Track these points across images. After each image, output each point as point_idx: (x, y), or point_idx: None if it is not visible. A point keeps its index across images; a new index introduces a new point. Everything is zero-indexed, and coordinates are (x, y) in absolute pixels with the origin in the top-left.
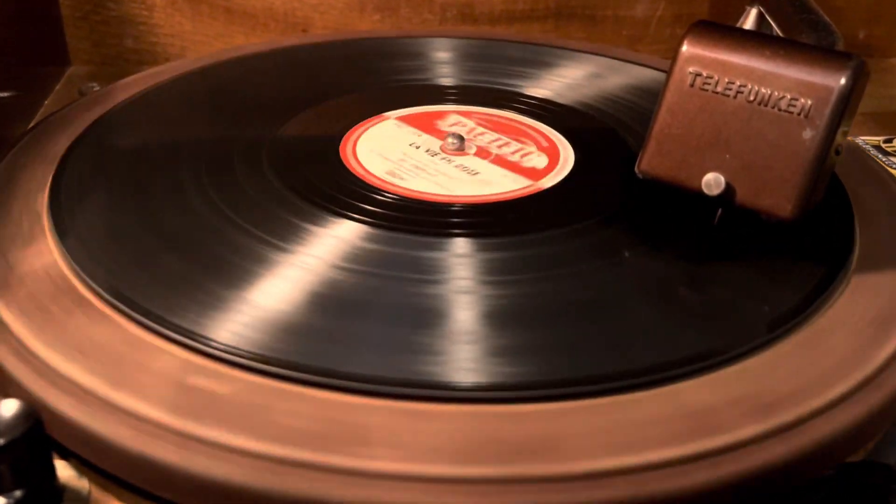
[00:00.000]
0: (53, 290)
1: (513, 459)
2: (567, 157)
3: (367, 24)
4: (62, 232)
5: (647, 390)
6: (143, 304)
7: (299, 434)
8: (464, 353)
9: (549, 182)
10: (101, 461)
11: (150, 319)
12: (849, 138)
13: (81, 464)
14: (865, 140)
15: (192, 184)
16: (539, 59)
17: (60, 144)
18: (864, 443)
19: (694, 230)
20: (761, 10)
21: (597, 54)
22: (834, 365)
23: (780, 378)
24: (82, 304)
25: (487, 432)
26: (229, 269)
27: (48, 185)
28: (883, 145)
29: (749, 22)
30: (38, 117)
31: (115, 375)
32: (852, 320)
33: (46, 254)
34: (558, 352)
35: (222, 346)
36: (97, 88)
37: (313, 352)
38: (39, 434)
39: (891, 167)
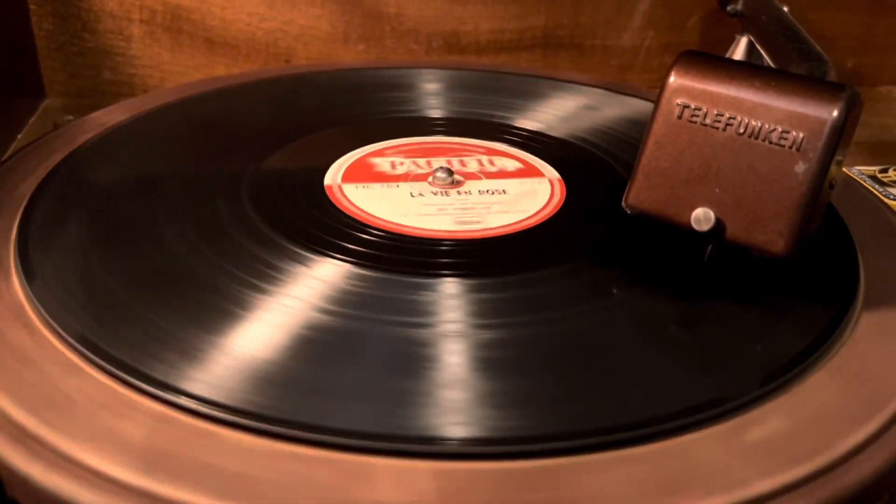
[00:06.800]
0: (17, 336)
1: None
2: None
3: (352, 55)
4: (30, 274)
5: (652, 443)
6: (113, 353)
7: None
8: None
9: (553, 173)
10: None
11: (122, 370)
12: (844, 169)
13: None
14: (861, 170)
15: (170, 221)
16: (526, 89)
17: (31, 180)
18: (890, 488)
19: (687, 267)
20: (751, 39)
21: (586, 84)
22: (854, 410)
23: (796, 426)
24: (47, 353)
25: (481, 491)
26: (215, 314)
27: (16, 223)
28: (879, 175)
29: (739, 51)
30: (10, 151)
31: (81, 432)
32: (866, 360)
33: (14, 296)
34: (554, 402)
35: (199, 400)
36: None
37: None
38: None
39: (887, 198)
